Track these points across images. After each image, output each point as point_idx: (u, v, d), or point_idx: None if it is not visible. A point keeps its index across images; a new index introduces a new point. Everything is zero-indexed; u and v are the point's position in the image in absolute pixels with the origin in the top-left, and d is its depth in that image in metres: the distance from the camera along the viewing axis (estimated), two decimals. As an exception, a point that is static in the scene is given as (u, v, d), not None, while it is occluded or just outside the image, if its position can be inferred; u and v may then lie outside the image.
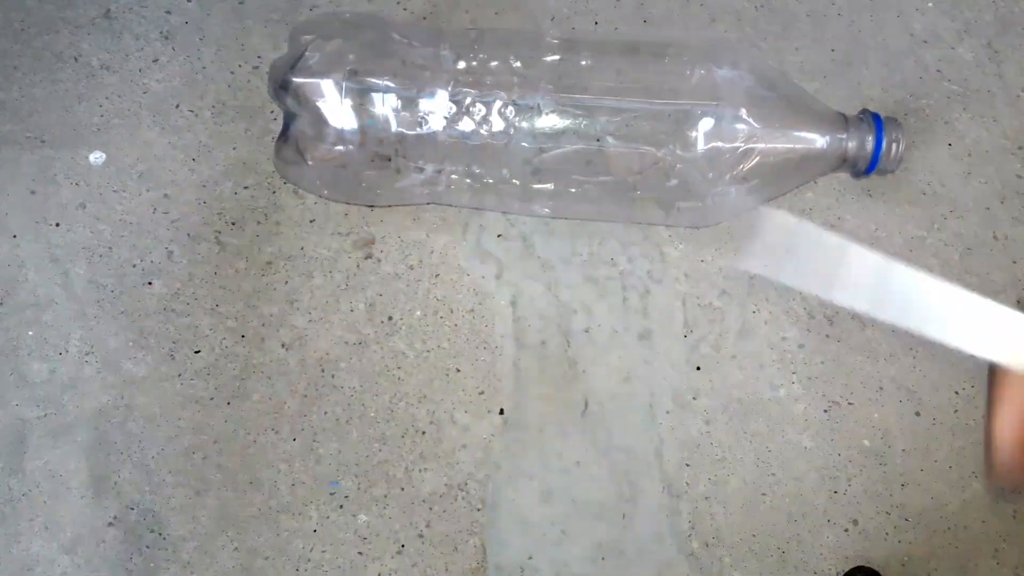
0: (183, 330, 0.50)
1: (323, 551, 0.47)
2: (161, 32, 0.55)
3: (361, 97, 0.46)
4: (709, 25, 0.56)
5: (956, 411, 0.50)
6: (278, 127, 0.53)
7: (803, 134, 0.48)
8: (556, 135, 0.47)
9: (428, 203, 0.52)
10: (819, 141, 0.48)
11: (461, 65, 0.47)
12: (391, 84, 0.46)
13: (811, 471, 0.49)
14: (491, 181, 0.48)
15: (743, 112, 0.46)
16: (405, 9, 0.56)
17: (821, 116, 0.49)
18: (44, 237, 0.51)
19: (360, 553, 0.48)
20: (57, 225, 0.51)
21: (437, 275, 0.51)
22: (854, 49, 0.56)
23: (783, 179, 0.49)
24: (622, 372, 0.50)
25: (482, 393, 0.50)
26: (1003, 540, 0.49)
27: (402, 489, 0.48)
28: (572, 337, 0.51)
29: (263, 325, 0.50)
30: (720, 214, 0.50)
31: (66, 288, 0.51)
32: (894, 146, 0.49)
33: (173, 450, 0.49)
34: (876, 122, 0.49)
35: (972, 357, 0.32)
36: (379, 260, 0.51)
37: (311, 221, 0.52)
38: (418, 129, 0.46)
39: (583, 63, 0.47)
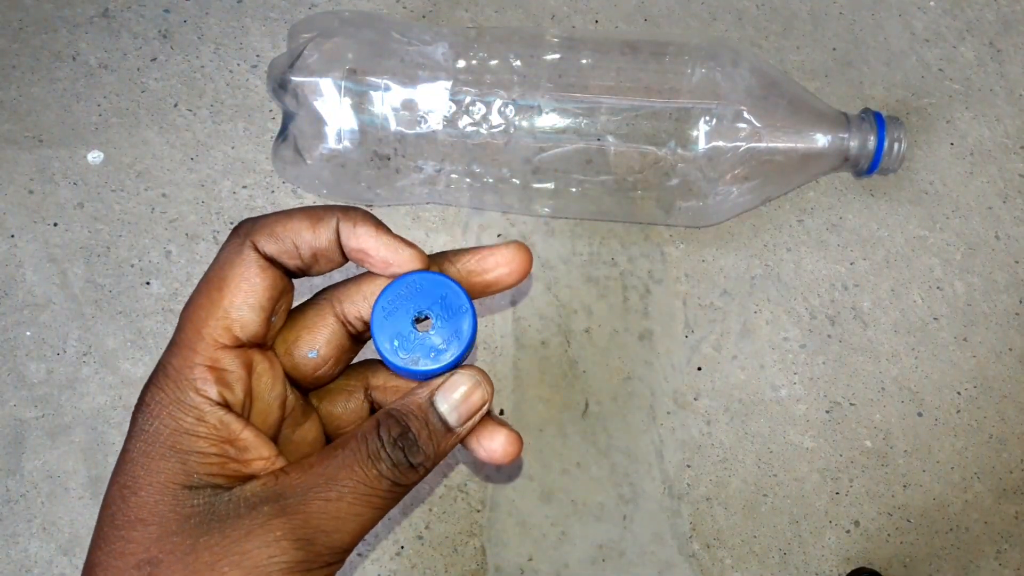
0: (181, 330, 0.50)
1: (322, 552, 0.47)
2: (159, 31, 0.55)
3: (360, 96, 0.46)
4: (710, 24, 0.56)
5: (958, 412, 0.50)
6: (276, 126, 0.53)
7: (805, 133, 0.48)
8: (556, 134, 0.46)
9: (428, 203, 0.52)
10: (821, 140, 0.48)
11: (461, 64, 0.46)
12: (390, 83, 0.46)
13: (813, 472, 0.49)
14: (491, 180, 0.48)
15: (744, 111, 0.46)
16: (405, 8, 0.56)
17: (823, 115, 0.49)
18: (42, 236, 0.51)
19: (359, 554, 0.47)
20: (55, 225, 0.51)
21: (437, 275, 0.51)
22: (855, 48, 0.56)
23: (784, 178, 0.49)
24: (622, 372, 0.50)
25: (482, 393, 0.50)
26: (1005, 541, 0.49)
27: (401, 490, 0.48)
28: (572, 337, 0.50)
29: (262, 325, 0.50)
30: (721, 213, 0.50)
31: (64, 288, 0.50)
32: (896, 145, 0.49)
33: (171, 451, 0.48)
34: (878, 121, 0.49)
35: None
36: (378, 260, 0.51)
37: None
38: (417, 128, 0.46)
39: (583, 62, 0.47)
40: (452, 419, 0.27)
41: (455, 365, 0.28)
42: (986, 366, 0.51)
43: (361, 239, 0.27)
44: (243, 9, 0.55)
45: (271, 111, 0.53)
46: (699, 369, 0.50)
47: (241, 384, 0.26)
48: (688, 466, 0.49)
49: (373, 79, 0.46)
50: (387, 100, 0.46)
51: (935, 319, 0.52)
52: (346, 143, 0.46)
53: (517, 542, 0.48)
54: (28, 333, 0.50)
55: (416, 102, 0.46)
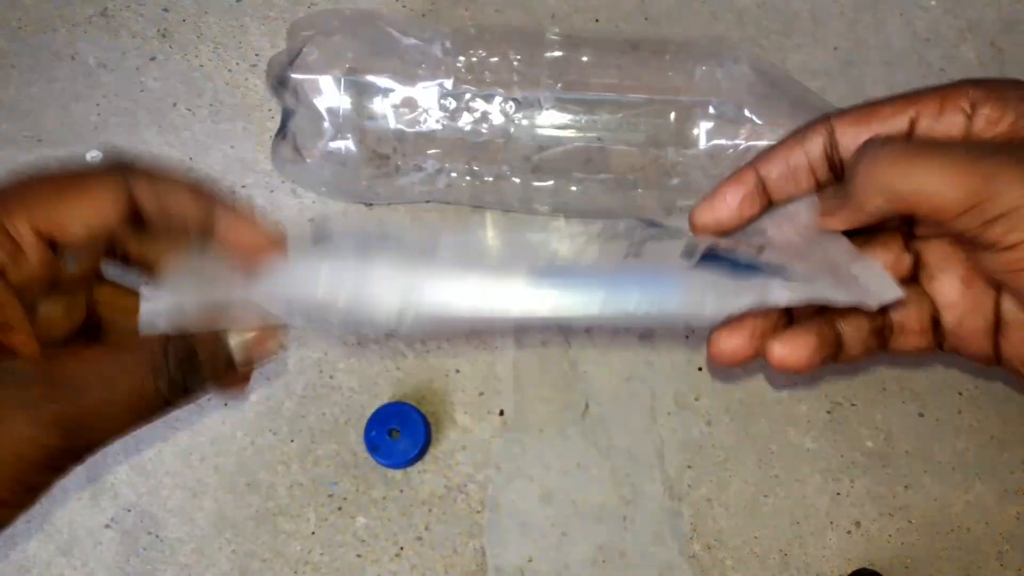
0: (180, 330, 0.50)
1: (321, 553, 0.47)
2: (159, 30, 0.55)
3: (360, 94, 0.46)
4: (710, 23, 0.56)
5: (959, 412, 0.50)
6: (276, 125, 0.53)
7: (805, 132, 0.48)
8: (556, 132, 0.46)
9: (427, 201, 0.52)
10: (822, 139, 0.48)
11: (461, 62, 0.46)
12: (390, 81, 0.46)
13: (814, 472, 0.49)
14: (491, 179, 0.48)
15: (745, 110, 0.46)
16: (405, 6, 0.56)
17: (824, 113, 0.49)
18: (40, 236, 0.51)
19: (359, 555, 0.47)
20: (53, 224, 0.51)
21: (436, 275, 0.51)
22: (856, 48, 0.56)
23: (785, 178, 0.49)
24: (623, 373, 0.50)
25: (482, 394, 0.49)
26: (1007, 542, 0.49)
27: (401, 491, 0.48)
28: (572, 337, 0.50)
29: (261, 325, 0.50)
30: (722, 213, 0.49)
31: (62, 287, 0.50)
32: (897, 144, 0.49)
33: (170, 451, 0.48)
34: (879, 120, 0.49)
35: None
36: (378, 259, 0.51)
37: (309, 220, 0.51)
38: (417, 126, 0.46)
39: (584, 59, 0.47)
40: (238, 357, 0.28)
41: (415, 460, 0.44)
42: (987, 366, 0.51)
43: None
44: (242, 8, 0.55)
45: (270, 110, 0.53)
46: (700, 369, 0.50)
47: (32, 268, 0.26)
48: (689, 467, 0.49)
49: (373, 77, 0.46)
50: (387, 98, 0.46)
51: (936, 319, 0.51)
52: (346, 142, 0.46)
53: (517, 543, 0.48)
54: (26, 333, 0.50)
55: (416, 100, 0.46)
